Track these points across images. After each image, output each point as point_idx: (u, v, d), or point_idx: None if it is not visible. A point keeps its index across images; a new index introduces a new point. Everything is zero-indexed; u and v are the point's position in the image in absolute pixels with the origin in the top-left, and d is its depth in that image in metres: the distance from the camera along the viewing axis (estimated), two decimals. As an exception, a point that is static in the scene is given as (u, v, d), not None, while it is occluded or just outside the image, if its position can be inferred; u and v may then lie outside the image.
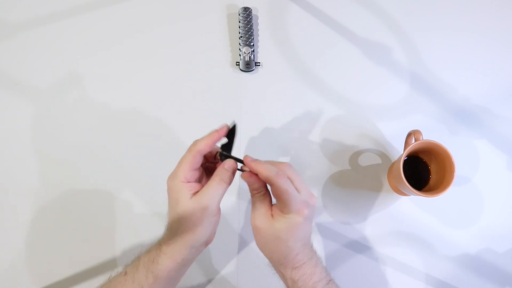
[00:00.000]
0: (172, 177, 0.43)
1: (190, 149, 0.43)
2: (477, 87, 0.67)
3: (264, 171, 0.41)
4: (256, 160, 0.43)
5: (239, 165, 0.44)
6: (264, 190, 0.44)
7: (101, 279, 0.57)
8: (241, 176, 0.43)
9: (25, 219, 0.60)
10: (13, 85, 0.65)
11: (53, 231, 0.60)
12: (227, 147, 0.44)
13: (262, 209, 0.43)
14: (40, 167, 0.62)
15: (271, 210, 0.43)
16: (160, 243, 0.44)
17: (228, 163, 0.43)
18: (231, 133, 0.44)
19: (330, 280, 0.45)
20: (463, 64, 0.68)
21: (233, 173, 0.43)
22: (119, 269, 0.51)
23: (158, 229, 0.49)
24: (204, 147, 0.42)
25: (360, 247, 0.60)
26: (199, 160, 0.43)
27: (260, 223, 0.42)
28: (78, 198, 0.61)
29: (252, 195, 0.44)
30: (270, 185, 0.42)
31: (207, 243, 0.45)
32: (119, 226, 0.60)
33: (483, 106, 0.66)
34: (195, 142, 0.43)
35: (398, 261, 0.60)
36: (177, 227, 0.42)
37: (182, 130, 0.64)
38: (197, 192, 0.42)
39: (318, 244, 0.60)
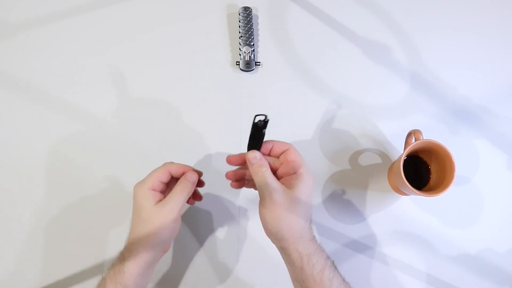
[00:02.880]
0: (140, 184, 0.47)
1: (163, 166, 0.48)
2: (477, 87, 0.67)
3: (281, 142, 0.47)
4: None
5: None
6: (269, 167, 0.46)
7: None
8: (249, 157, 0.45)
9: (27, 219, 0.60)
10: (13, 85, 0.65)
11: (57, 231, 0.60)
12: (256, 143, 0.46)
13: (276, 183, 0.44)
14: (40, 167, 0.62)
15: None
16: (122, 253, 0.46)
17: (190, 174, 0.47)
18: (257, 131, 0.45)
19: (333, 261, 0.46)
20: (463, 64, 0.68)
21: (194, 184, 0.47)
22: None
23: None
24: (176, 170, 0.48)
25: (360, 247, 0.60)
26: (167, 177, 0.47)
27: (278, 196, 0.43)
28: (78, 197, 0.61)
29: (260, 174, 0.44)
30: (290, 151, 0.46)
31: (165, 249, 0.49)
32: (119, 226, 0.60)
33: (483, 106, 0.66)
34: (170, 163, 0.48)
35: (398, 261, 0.60)
36: (139, 231, 0.45)
37: (182, 130, 0.64)
38: (160, 200, 0.46)
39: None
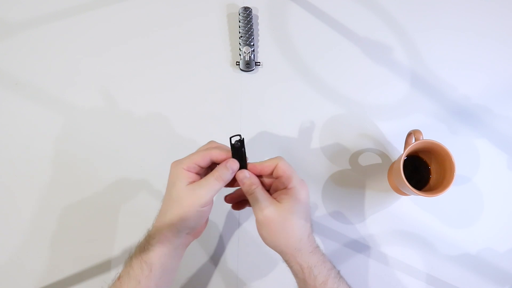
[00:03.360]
0: (176, 163, 0.45)
1: (206, 148, 0.45)
2: (477, 86, 0.67)
3: (267, 162, 0.45)
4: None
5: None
6: (260, 183, 0.46)
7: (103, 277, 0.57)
8: (239, 177, 0.45)
9: (28, 217, 0.60)
10: (13, 85, 0.65)
11: (59, 230, 0.60)
12: (240, 163, 0.46)
13: (267, 199, 0.44)
14: (40, 166, 0.62)
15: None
16: (149, 231, 0.45)
17: (231, 162, 0.44)
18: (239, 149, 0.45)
19: (339, 271, 0.46)
20: (463, 64, 0.68)
21: (233, 173, 0.45)
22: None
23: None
24: (217, 157, 0.45)
25: (360, 246, 0.60)
26: (207, 162, 0.45)
27: (269, 212, 0.43)
28: (81, 196, 0.61)
29: (251, 192, 0.45)
30: (279, 166, 0.45)
31: (194, 235, 0.48)
32: (123, 225, 0.60)
33: (483, 105, 0.66)
34: (213, 145, 0.46)
35: (398, 261, 0.60)
36: (167, 210, 0.44)
37: (183, 130, 0.64)
38: (194, 181, 0.44)
39: (319, 244, 0.60)
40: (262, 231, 0.44)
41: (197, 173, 0.45)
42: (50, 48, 0.67)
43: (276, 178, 0.46)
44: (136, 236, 0.46)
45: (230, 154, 0.45)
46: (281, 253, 0.45)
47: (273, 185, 0.47)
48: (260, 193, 0.44)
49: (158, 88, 0.66)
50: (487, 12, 0.70)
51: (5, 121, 0.64)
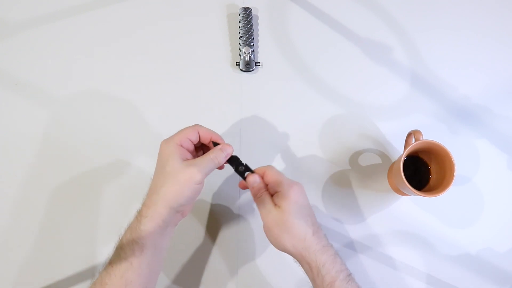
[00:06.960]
0: (167, 140, 0.46)
1: (193, 126, 0.48)
2: (477, 86, 0.67)
3: (262, 167, 0.49)
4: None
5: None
6: (265, 188, 0.48)
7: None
8: (249, 181, 0.48)
9: (29, 216, 0.60)
10: (13, 85, 0.65)
11: (57, 228, 0.60)
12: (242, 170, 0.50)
13: (268, 204, 0.47)
14: (40, 166, 0.62)
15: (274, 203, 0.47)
16: (140, 211, 0.45)
17: (225, 146, 0.47)
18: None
19: (349, 274, 0.46)
20: (464, 63, 0.68)
21: (226, 157, 0.47)
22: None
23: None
24: (204, 133, 0.47)
25: (360, 247, 0.60)
26: (196, 136, 0.47)
27: (272, 216, 0.46)
28: (73, 197, 0.61)
29: (258, 196, 0.48)
30: (266, 173, 0.48)
31: (182, 213, 0.48)
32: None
33: (484, 105, 0.66)
34: (199, 125, 0.48)
35: (398, 261, 0.60)
36: (160, 186, 0.44)
37: (182, 130, 0.64)
38: (188, 160, 0.45)
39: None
40: (268, 236, 0.47)
41: (189, 151, 0.47)
42: (50, 48, 0.67)
43: (267, 185, 0.48)
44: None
45: (214, 134, 0.48)
46: (291, 254, 0.46)
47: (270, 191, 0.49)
48: (267, 197, 0.47)
49: (157, 88, 0.66)
50: (487, 12, 0.70)
51: (4, 121, 0.63)
